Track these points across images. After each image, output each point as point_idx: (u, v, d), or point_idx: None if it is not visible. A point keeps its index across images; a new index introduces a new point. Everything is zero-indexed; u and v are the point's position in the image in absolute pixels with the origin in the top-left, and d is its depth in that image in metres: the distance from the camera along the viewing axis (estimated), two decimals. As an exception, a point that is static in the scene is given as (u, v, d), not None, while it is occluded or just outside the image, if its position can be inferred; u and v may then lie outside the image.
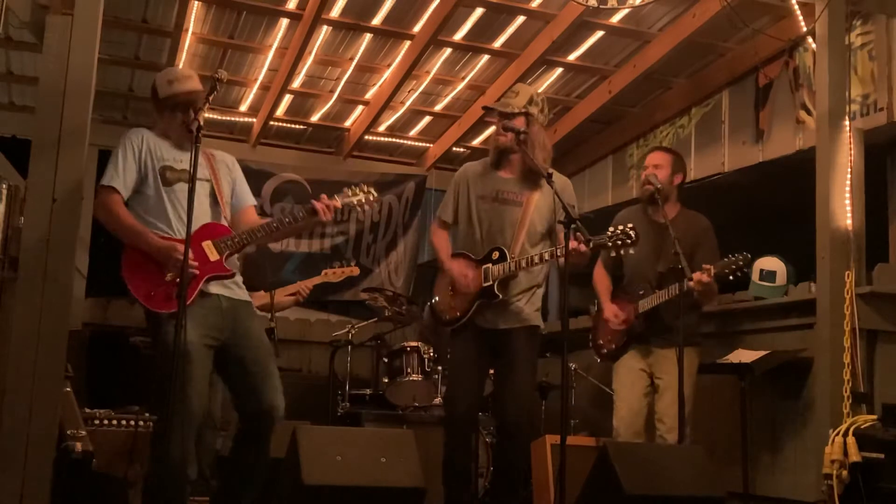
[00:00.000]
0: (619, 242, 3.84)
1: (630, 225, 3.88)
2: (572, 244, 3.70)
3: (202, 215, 3.50)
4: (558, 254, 3.87)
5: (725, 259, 4.38)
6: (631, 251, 3.88)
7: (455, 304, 4.11)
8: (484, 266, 4.06)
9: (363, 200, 3.66)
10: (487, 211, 4.12)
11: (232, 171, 3.74)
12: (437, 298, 4.23)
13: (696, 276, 4.31)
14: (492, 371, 4.30)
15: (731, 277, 4.36)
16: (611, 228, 3.90)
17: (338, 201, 3.59)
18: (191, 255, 3.34)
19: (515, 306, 4.07)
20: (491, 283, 4.02)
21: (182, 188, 3.44)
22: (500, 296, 4.02)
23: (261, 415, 3.49)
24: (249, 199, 3.77)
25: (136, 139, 3.54)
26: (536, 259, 3.98)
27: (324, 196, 3.58)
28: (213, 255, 3.46)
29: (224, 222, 3.58)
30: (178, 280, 3.27)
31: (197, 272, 3.39)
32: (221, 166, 3.68)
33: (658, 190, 4.55)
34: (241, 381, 3.52)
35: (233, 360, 3.50)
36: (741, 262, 4.34)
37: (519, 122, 4.04)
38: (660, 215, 4.53)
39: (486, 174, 4.19)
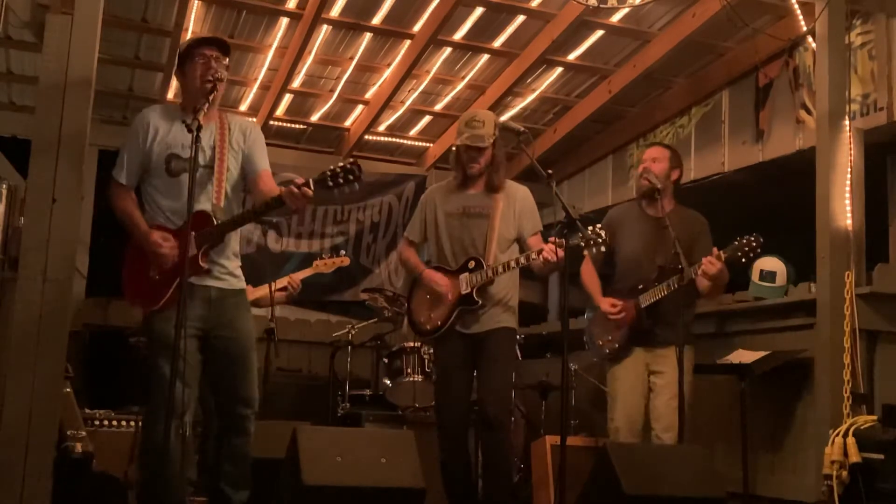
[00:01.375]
0: (591, 242, 3.98)
1: (599, 226, 4.04)
2: (548, 250, 3.99)
3: (197, 205, 3.44)
4: (533, 257, 4.08)
5: (735, 242, 4.32)
6: (603, 248, 3.98)
7: (435, 314, 4.27)
8: (461, 275, 4.23)
9: (339, 169, 3.24)
10: (457, 226, 4.32)
11: (246, 141, 3.64)
12: (415, 311, 4.38)
13: (705, 261, 4.27)
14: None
15: (743, 260, 4.33)
16: (580, 232, 3.99)
17: (310, 187, 3.24)
18: (174, 246, 3.40)
19: (492, 311, 4.23)
20: (469, 290, 4.18)
21: (186, 179, 3.36)
22: (480, 301, 4.18)
23: (233, 404, 3.51)
24: (262, 164, 3.66)
25: (141, 126, 3.55)
26: (513, 264, 4.16)
27: (298, 179, 3.28)
28: (192, 250, 3.41)
29: (207, 208, 3.47)
30: (157, 276, 3.41)
31: (172, 267, 3.39)
32: (234, 142, 3.61)
33: (654, 186, 4.55)
34: (218, 371, 3.54)
35: (214, 347, 3.51)
36: (753, 244, 4.28)
37: (488, 152, 4.27)
38: (656, 210, 4.55)
39: (451, 193, 4.40)
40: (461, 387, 4.23)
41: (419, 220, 4.47)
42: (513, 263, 4.15)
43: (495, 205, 4.28)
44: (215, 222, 3.47)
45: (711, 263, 4.27)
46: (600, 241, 3.97)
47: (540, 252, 4.04)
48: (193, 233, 3.41)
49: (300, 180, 3.27)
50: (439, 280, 4.24)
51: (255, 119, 7.23)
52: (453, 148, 4.44)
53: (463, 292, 4.19)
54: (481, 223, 4.27)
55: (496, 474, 4.17)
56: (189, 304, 3.35)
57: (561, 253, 3.93)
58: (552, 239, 3.97)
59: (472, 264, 4.22)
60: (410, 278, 4.53)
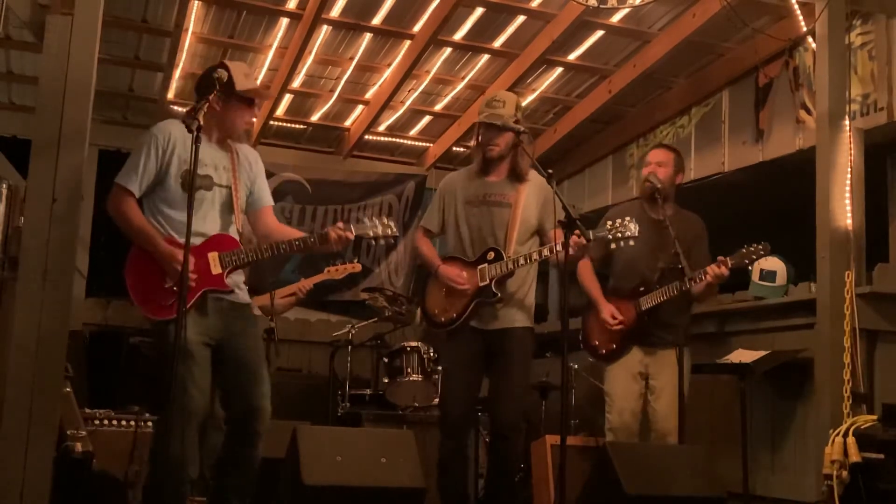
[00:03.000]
0: (619, 235, 3.90)
1: (629, 217, 3.94)
2: (573, 243, 3.78)
3: (213, 224, 3.50)
4: (557, 249, 3.93)
5: (742, 249, 4.34)
6: (631, 242, 3.91)
7: (451, 305, 4.13)
8: (479, 266, 4.09)
9: (380, 234, 3.58)
10: (476, 215, 4.16)
11: (252, 170, 3.69)
12: (429, 302, 4.24)
13: (712, 269, 4.29)
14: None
15: (749, 268, 4.33)
16: (609, 222, 3.94)
17: (352, 232, 3.52)
18: (193, 265, 3.36)
19: (509, 308, 4.11)
20: (488, 282, 4.05)
21: (202, 196, 3.45)
22: (499, 294, 4.05)
23: (247, 415, 3.48)
24: (267, 200, 3.74)
25: (162, 139, 3.49)
26: (536, 256, 4.03)
27: (340, 223, 3.53)
28: (216, 269, 3.44)
29: (234, 233, 3.55)
30: (174, 288, 3.33)
31: (194, 284, 3.37)
32: (243, 168, 3.65)
33: (658, 190, 4.55)
34: (231, 380, 3.52)
35: (226, 359, 3.51)
36: (761, 252, 4.31)
37: (508, 135, 4.10)
38: (658, 213, 4.53)
39: (472, 180, 4.24)
40: (469, 384, 4.11)
41: (437, 209, 4.29)
42: (535, 255, 4.02)
43: (518, 194, 4.13)
44: (242, 247, 3.51)
45: (719, 273, 4.28)
46: (629, 234, 3.89)
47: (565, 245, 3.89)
48: (217, 252, 3.44)
49: (341, 224, 3.53)
50: (456, 277, 4.08)
51: (254, 119, 7.22)
52: (464, 147, 4.33)
53: (481, 284, 4.05)
54: (503, 212, 4.12)
55: (502, 482, 4.09)
56: (203, 315, 3.40)
57: (583, 241, 3.81)
58: (577, 232, 3.81)
59: (491, 255, 4.07)
60: (425, 270, 4.36)
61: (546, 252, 4.01)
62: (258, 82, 6.62)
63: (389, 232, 3.57)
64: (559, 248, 3.90)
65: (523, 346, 4.13)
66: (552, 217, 4.11)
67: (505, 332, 4.09)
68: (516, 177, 4.16)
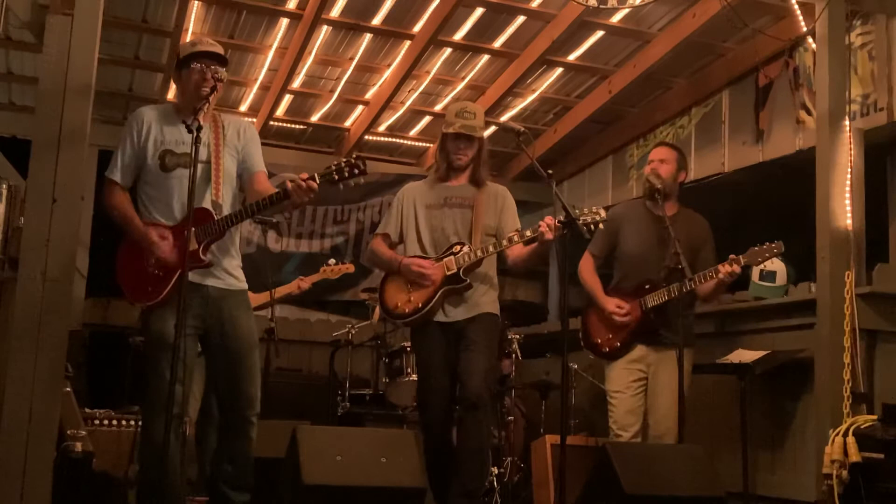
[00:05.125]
0: (589, 219, 3.92)
1: (595, 207, 3.98)
2: (544, 225, 3.89)
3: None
4: (527, 234, 3.99)
5: (755, 248, 4.33)
6: (601, 226, 3.95)
7: (415, 296, 4.14)
8: (446, 259, 4.13)
9: (346, 175, 3.39)
10: (438, 216, 4.22)
11: (241, 139, 3.66)
12: (389, 299, 4.26)
13: (724, 267, 4.29)
14: None
15: (763, 267, 4.33)
16: (576, 210, 3.92)
17: (315, 180, 3.37)
18: (173, 243, 3.40)
19: (473, 298, 4.14)
20: (456, 270, 4.09)
21: (181, 174, 3.45)
22: (467, 280, 4.08)
23: (236, 404, 3.50)
24: (259, 166, 3.69)
25: (136, 125, 3.57)
26: (505, 242, 4.07)
27: (304, 174, 3.39)
28: (192, 245, 3.40)
29: (208, 203, 3.49)
30: (157, 272, 3.41)
31: (168, 265, 3.40)
32: (229, 140, 3.63)
33: (659, 189, 4.54)
34: (220, 369, 3.54)
35: (215, 348, 3.52)
36: (774, 250, 4.30)
37: (477, 145, 4.22)
38: (659, 211, 4.51)
39: (431, 187, 4.31)
40: (444, 383, 4.09)
41: (395, 216, 4.32)
42: (505, 242, 4.06)
43: (478, 197, 4.20)
44: (216, 217, 3.47)
45: (731, 271, 4.28)
46: (598, 218, 3.91)
47: (536, 228, 3.93)
48: (194, 227, 3.40)
49: (305, 175, 3.37)
50: (424, 262, 4.12)
51: (254, 119, 7.24)
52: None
53: (449, 273, 4.08)
54: (465, 213, 4.19)
55: (474, 457, 4.00)
56: (187, 303, 3.36)
57: (554, 222, 3.84)
58: (548, 218, 3.87)
59: (457, 248, 4.12)
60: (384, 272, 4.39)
61: (517, 238, 4.04)
62: (258, 81, 6.66)
63: (356, 171, 3.40)
64: (533, 231, 3.96)
65: (488, 329, 4.13)
66: (511, 222, 4.23)
67: (469, 321, 4.10)
68: (476, 182, 4.25)
